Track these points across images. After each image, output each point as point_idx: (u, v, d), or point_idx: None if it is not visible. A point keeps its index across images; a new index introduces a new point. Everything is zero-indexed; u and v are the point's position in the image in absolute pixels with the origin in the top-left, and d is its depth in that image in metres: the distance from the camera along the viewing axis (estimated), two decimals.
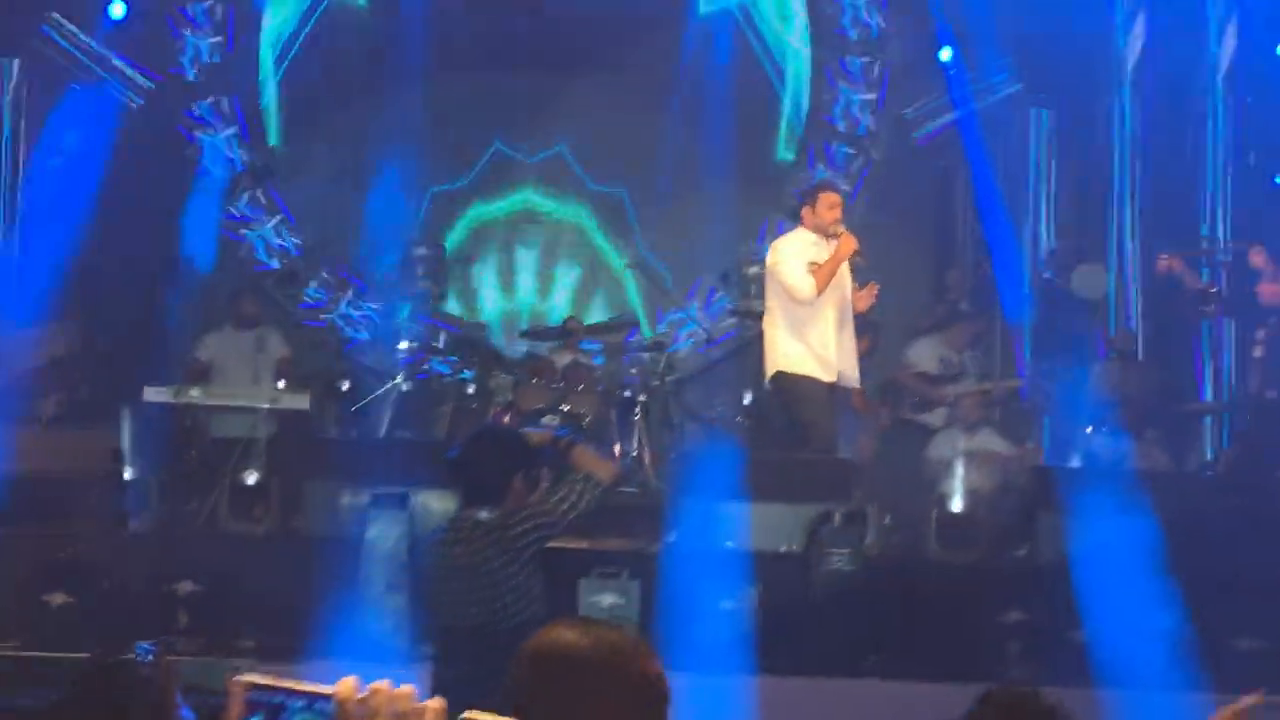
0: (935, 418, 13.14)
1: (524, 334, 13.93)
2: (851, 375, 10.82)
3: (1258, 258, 12.21)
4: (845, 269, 10.70)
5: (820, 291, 10.42)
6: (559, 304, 14.93)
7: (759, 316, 12.30)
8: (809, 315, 10.53)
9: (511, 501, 6.16)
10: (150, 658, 7.69)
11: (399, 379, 13.53)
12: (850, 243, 10.48)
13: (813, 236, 10.62)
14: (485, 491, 6.18)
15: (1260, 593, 9.31)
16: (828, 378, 10.54)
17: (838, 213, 10.61)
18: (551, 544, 9.38)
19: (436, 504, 8.93)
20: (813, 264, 10.48)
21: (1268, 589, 9.34)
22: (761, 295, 12.23)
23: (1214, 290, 12.94)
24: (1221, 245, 13.46)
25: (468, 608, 6.00)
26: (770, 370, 10.76)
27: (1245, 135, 13.98)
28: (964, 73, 14.24)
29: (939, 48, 14.40)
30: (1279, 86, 13.74)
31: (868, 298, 10.78)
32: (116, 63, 13.84)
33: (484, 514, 6.12)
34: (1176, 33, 13.98)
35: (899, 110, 14.68)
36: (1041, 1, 13.98)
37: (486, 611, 6.00)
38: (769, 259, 10.82)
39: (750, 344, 13.10)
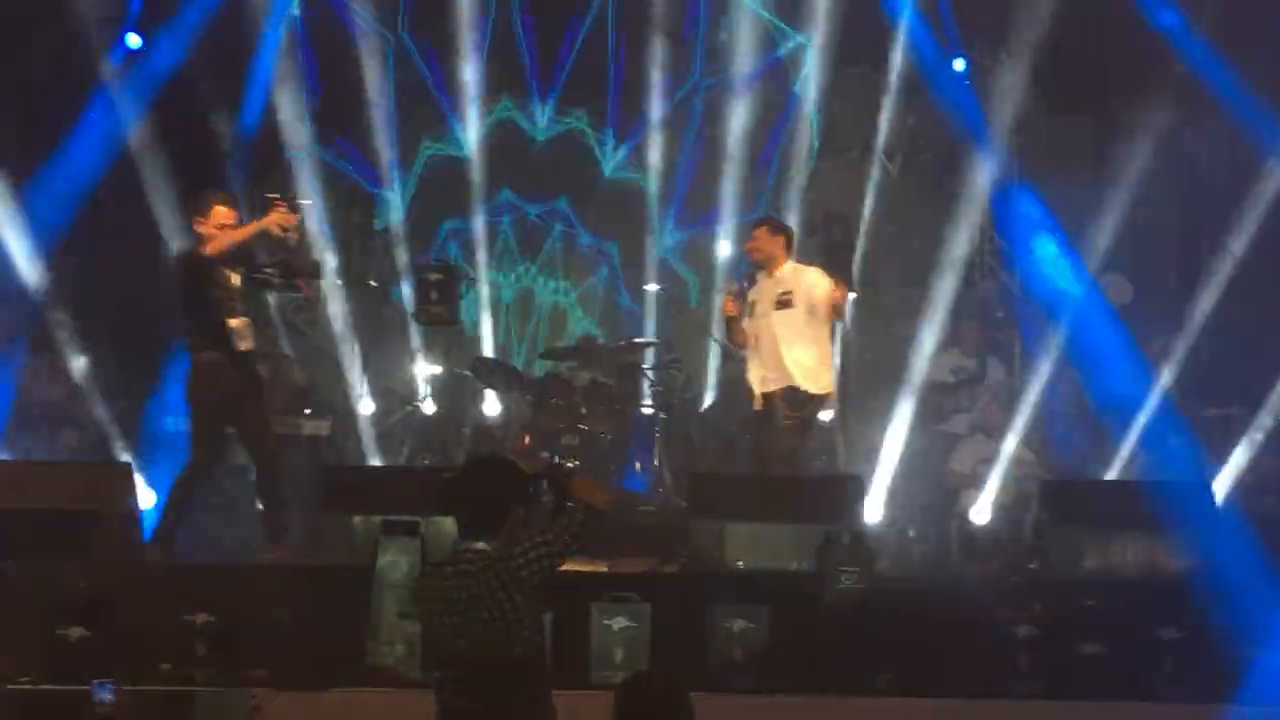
0: (958, 426, 13.11)
1: (542, 354, 13.95)
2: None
3: None
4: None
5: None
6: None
7: None
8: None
9: (509, 531, 6.12)
10: (110, 695, 7.72)
11: (420, 402, 13.57)
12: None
13: None
14: (482, 521, 6.15)
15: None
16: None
17: None
18: (562, 568, 9.44)
19: (448, 532, 8.93)
20: None
21: None
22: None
23: None
24: None
25: (472, 639, 5.98)
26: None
27: None
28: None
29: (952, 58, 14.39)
30: None
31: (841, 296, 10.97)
32: None
33: (482, 545, 6.08)
34: None
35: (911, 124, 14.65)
36: None
37: (491, 643, 5.98)
38: (816, 277, 10.99)
39: None
